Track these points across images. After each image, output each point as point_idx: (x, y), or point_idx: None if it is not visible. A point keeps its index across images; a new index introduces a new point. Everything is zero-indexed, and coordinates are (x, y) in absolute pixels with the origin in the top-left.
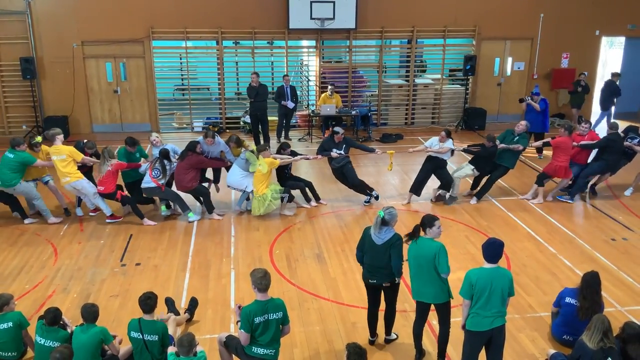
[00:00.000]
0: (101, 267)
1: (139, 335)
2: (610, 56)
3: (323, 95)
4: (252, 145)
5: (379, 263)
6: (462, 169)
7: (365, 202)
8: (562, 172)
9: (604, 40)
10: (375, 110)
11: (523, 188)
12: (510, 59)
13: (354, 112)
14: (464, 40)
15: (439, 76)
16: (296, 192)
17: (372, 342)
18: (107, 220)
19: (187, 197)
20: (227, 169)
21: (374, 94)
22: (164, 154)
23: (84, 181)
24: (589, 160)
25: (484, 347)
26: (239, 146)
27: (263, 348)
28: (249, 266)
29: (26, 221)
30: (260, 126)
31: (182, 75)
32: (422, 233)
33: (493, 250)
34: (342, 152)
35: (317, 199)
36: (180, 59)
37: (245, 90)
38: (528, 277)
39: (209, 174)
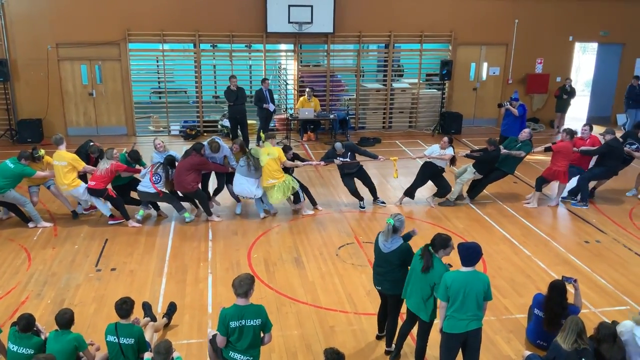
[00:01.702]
0: (76, 272)
1: (114, 339)
2: (584, 62)
3: (301, 99)
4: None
5: (384, 270)
6: (464, 173)
7: (380, 204)
8: (560, 177)
9: (577, 46)
10: (353, 114)
11: (501, 194)
12: (485, 64)
13: (332, 116)
14: (440, 45)
15: (416, 81)
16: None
17: (379, 337)
18: (110, 222)
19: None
20: (229, 176)
21: (352, 98)
22: (170, 161)
23: (80, 188)
24: (590, 164)
25: (461, 350)
26: (244, 152)
27: (240, 354)
28: (226, 270)
29: (30, 224)
30: (240, 129)
31: (158, 78)
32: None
33: (469, 254)
34: (347, 159)
35: (314, 204)
36: (157, 61)
37: (223, 93)
38: (504, 280)
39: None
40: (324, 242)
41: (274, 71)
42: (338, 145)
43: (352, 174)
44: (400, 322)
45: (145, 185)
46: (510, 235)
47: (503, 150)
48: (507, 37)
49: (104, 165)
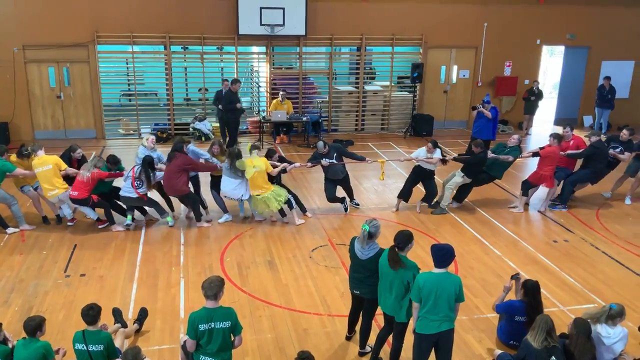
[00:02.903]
0: (44, 278)
1: (83, 347)
2: (551, 64)
3: (274, 101)
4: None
5: (362, 276)
6: (453, 178)
7: (355, 206)
8: (546, 181)
9: (545, 49)
10: (326, 116)
11: (472, 195)
12: (455, 67)
13: (304, 119)
14: (411, 48)
15: (387, 83)
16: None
17: (348, 338)
18: (99, 226)
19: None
20: (216, 182)
21: (324, 100)
22: (148, 163)
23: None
24: (576, 167)
25: (433, 350)
26: (223, 153)
27: (211, 358)
28: (199, 275)
29: (9, 230)
30: (227, 130)
31: (128, 80)
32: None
33: (442, 255)
34: (333, 160)
35: (304, 211)
36: (127, 63)
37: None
38: (475, 280)
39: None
40: (298, 244)
41: (246, 73)
42: (320, 144)
43: (337, 181)
44: (374, 326)
45: (128, 190)
46: (481, 235)
47: (491, 155)
48: (476, 41)
49: (86, 173)
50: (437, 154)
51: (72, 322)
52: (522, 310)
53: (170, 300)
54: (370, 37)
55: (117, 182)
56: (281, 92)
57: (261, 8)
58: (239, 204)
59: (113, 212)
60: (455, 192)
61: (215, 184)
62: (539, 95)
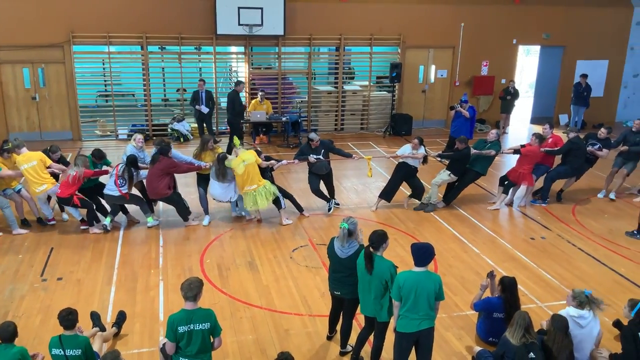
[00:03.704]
0: (20, 283)
1: (60, 352)
2: (527, 64)
3: (253, 101)
4: (219, 149)
5: (343, 275)
6: (439, 176)
7: (334, 205)
8: (525, 179)
9: (521, 48)
10: (305, 116)
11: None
12: (433, 67)
13: (284, 119)
14: (390, 48)
15: (366, 83)
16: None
17: (329, 338)
18: (82, 227)
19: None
20: (203, 181)
21: (303, 100)
22: (132, 162)
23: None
24: (555, 163)
25: (414, 349)
26: (214, 151)
27: (190, 359)
28: (178, 277)
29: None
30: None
31: (105, 81)
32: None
33: (422, 253)
34: (320, 157)
35: (300, 210)
36: (103, 64)
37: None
38: (454, 277)
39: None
40: (278, 245)
41: (224, 74)
42: (313, 135)
43: (321, 176)
44: (355, 325)
45: (111, 188)
46: (460, 233)
47: (473, 151)
48: (453, 40)
49: (72, 172)
50: (422, 151)
51: (49, 327)
52: (500, 306)
53: (150, 303)
54: (348, 37)
55: (103, 178)
56: (260, 93)
57: (239, 8)
58: (231, 206)
59: (91, 213)
60: (444, 191)
61: (202, 181)
62: (514, 94)
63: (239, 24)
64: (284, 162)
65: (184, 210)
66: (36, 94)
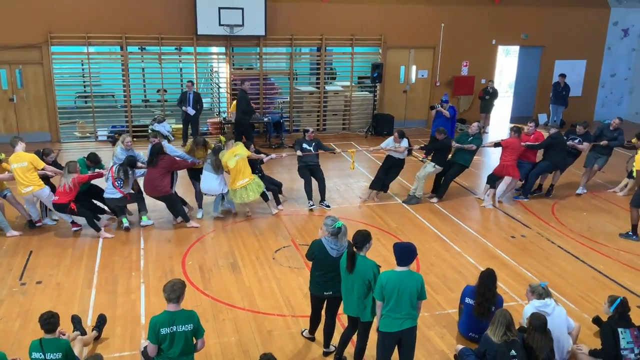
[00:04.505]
0: None
1: (40, 355)
2: (507, 64)
3: (234, 102)
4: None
5: (334, 274)
6: (424, 169)
7: (325, 207)
8: (510, 171)
9: (500, 48)
10: (287, 117)
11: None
12: (414, 67)
13: (266, 119)
14: (371, 48)
15: (348, 83)
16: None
17: (312, 339)
18: (74, 229)
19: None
20: (196, 175)
21: (285, 100)
22: (131, 162)
23: (46, 190)
24: (537, 159)
25: (397, 348)
26: (206, 148)
27: None
28: (160, 279)
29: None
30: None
31: (84, 82)
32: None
33: (404, 253)
34: (311, 149)
35: (277, 203)
36: (82, 65)
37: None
38: (436, 276)
39: None
40: (261, 246)
41: (205, 74)
42: (310, 128)
43: (311, 167)
44: (338, 325)
45: (110, 191)
46: (442, 232)
47: (456, 144)
48: (434, 41)
49: (66, 180)
50: (404, 144)
51: (28, 332)
52: (471, 292)
53: (131, 306)
54: (330, 38)
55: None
56: None
57: (220, 8)
58: (214, 203)
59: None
60: (432, 187)
61: (194, 176)
62: (493, 94)
63: (220, 24)
64: (273, 155)
65: (183, 212)
66: (14, 95)
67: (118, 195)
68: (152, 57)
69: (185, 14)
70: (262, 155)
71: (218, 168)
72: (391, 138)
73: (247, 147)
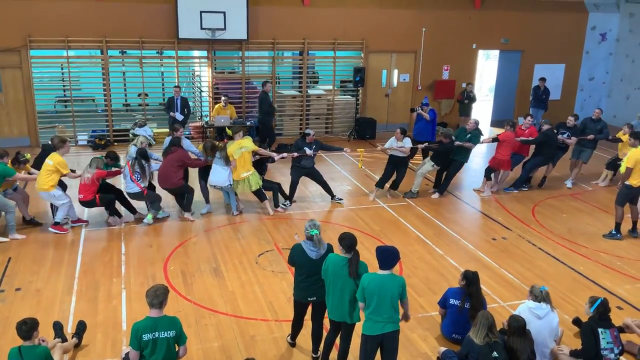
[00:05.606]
0: None
1: None
2: (487, 68)
3: (217, 106)
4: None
5: (317, 277)
6: (423, 166)
7: (337, 199)
8: (504, 165)
9: (481, 53)
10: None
11: (419, 200)
12: (396, 71)
13: (248, 123)
14: (353, 52)
15: (330, 87)
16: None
17: (293, 345)
18: (73, 224)
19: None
20: (204, 171)
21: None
22: (142, 154)
23: (56, 192)
24: (530, 152)
25: (380, 351)
26: (214, 151)
27: None
28: (141, 285)
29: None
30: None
31: (64, 86)
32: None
33: (387, 256)
34: (311, 151)
35: (276, 205)
36: (62, 69)
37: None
38: (418, 279)
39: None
40: (244, 250)
41: (187, 78)
42: (309, 131)
43: (305, 169)
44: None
45: (131, 187)
46: (424, 235)
47: (456, 143)
48: (415, 45)
49: (87, 175)
50: (407, 142)
51: (7, 339)
52: (456, 294)
53: (112, 313)
54: (312, 42)
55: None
56: (223, 97)
57: (201, 12)
58: (231, 202)
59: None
60: (434, 181)
61: (203, 175)
62: (472, 98)
63: (202, 28)
64: (285, 155)
65: (191, 202)
66: None
67: (137, 189)
68: (133, 61)
69: (167, 17)
70: (273, 153)
71: (227, 162)
72: (393, 137)
73: (265, 148)
